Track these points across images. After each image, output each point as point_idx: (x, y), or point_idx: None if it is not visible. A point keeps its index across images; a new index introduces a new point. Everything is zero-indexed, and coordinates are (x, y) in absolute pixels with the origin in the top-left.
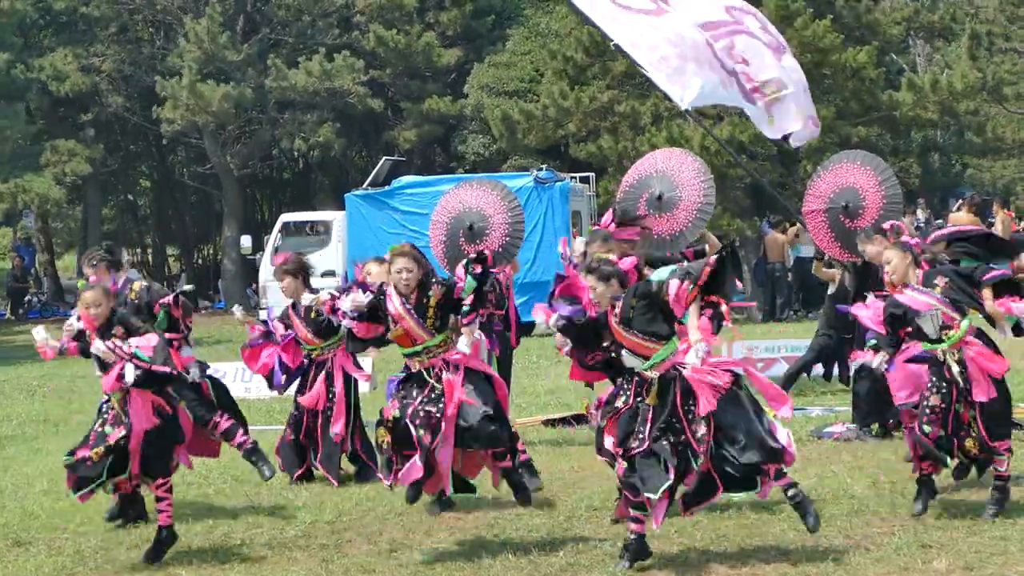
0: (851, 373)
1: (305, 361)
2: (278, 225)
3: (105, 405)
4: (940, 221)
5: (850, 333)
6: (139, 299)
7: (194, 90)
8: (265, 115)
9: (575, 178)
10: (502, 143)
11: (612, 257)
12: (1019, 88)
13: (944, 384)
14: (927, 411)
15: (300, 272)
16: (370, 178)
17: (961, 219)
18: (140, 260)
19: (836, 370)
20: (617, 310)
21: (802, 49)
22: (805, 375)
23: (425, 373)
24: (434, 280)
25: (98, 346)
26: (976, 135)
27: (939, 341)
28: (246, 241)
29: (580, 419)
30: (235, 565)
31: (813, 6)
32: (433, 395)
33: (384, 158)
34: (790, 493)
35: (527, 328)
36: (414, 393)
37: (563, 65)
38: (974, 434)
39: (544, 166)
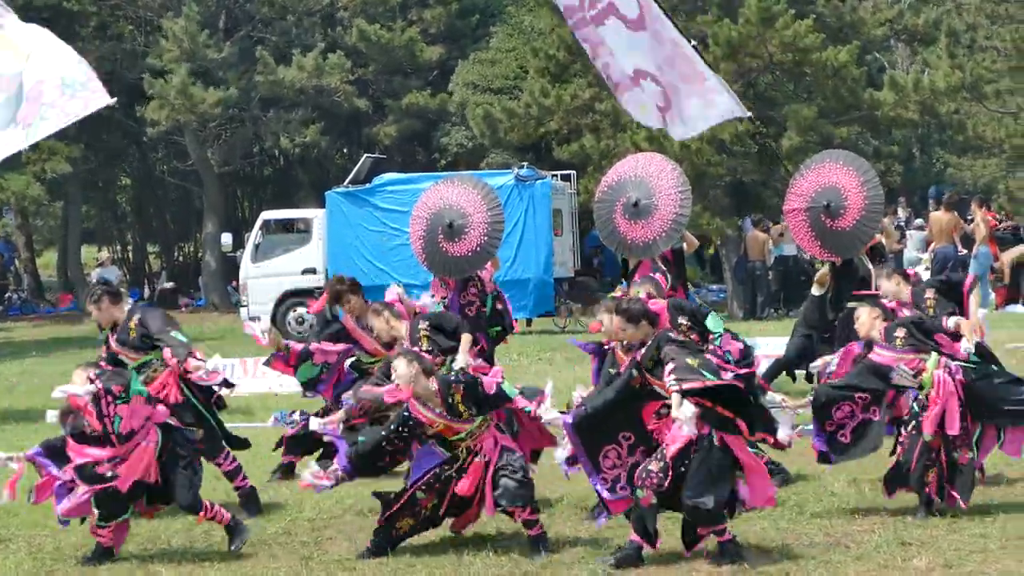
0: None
1: (353, 373)
2: (259, 222)
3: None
4: (920, 220)
5: (829, 333)
6: (139, 332)
7: (185, 91)
8: (248, 113)
9: (556, 176)
10: (484, 140)
11: (642, 295)
12: (999, 86)
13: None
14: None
15: (359, 289)
16: (351, 176)
17: (942, 219)
18: (120, 258)
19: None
20: (639, 356)
21: (783, 49)
22: (790, 378)
23: (469, 450)
24: (453, 379)
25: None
26: (956, 133)
27: (922, 387)
28: (227, 238)
29: None
30: (215, 563)
31: (795, 7)
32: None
33: (365, 155)
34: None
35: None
36: (452, 474)
37: (545, 63)
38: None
39: (525, 164)
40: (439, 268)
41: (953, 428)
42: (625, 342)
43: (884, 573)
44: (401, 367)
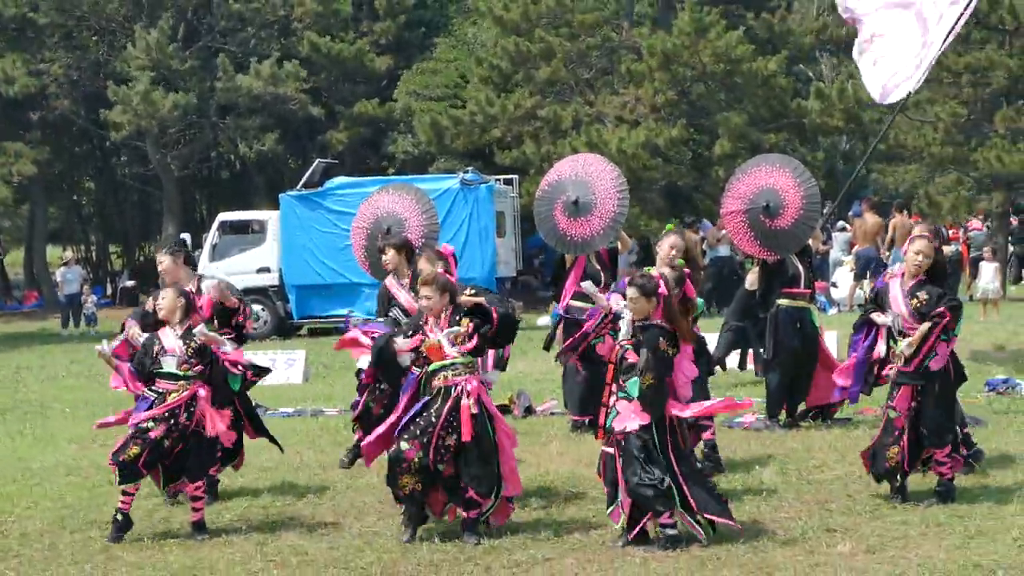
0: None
1: None
2: (216, 224)
3: (156, 398)
4: (842, 223)
5: (759, 326)
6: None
7: (147, 98)
8: (206, 119)
9: (499, 180)
10: (430, 147)
11: (655, 272)
12: (919, 97)
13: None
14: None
15: (405, 247)
16: (304, 179)
17: (866, 222)
18: (84, 257)
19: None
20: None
21: (715, 59)
22: (721, 368)
23: (448, 390)
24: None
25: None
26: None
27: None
28: (185, 239)
29: (504, 410)
30: (174, 548)
31: (726, 18)
32: (453, 423)
33: (317, 160)
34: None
35: None
36: (432, 419)
37: (489, 73)
38: (900, 444)
39: (470, 169)
40: (383, 274)
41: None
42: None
43: (810, 558)
44: (435, 297)
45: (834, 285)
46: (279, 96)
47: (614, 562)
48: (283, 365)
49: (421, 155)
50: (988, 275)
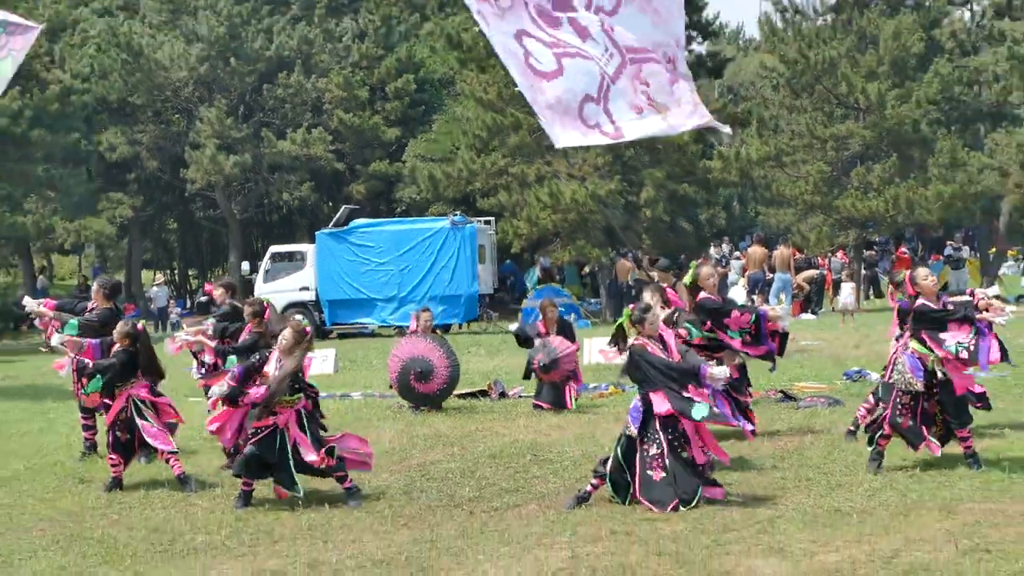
0: None
1: None
2: (268, 254)
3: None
4: (737, 252)
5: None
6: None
7: (214, 160)
8: (260, 175)
9: (482, 220)
10: (428, 195)
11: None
12: (794, 157)
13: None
14: (899, 405)
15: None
16: (333, 221)
17: (755, 252)
18: (169, 279)
19: None
20: None
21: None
22: None
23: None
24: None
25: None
26: (764, 191)
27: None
28: (245, 266)
29: (483, 394)
30: (159, 564)
31: None
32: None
33: (344, 206)
34: None
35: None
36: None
37: (472, 140)
38: (938, 422)
39: (458, 212)
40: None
41: None
42: None
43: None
44: (288, 336)
45: None
46: (311, 156)
47: (572, 510)
48: (318, 360)
49: (422, 202)
50: (846, 293)
